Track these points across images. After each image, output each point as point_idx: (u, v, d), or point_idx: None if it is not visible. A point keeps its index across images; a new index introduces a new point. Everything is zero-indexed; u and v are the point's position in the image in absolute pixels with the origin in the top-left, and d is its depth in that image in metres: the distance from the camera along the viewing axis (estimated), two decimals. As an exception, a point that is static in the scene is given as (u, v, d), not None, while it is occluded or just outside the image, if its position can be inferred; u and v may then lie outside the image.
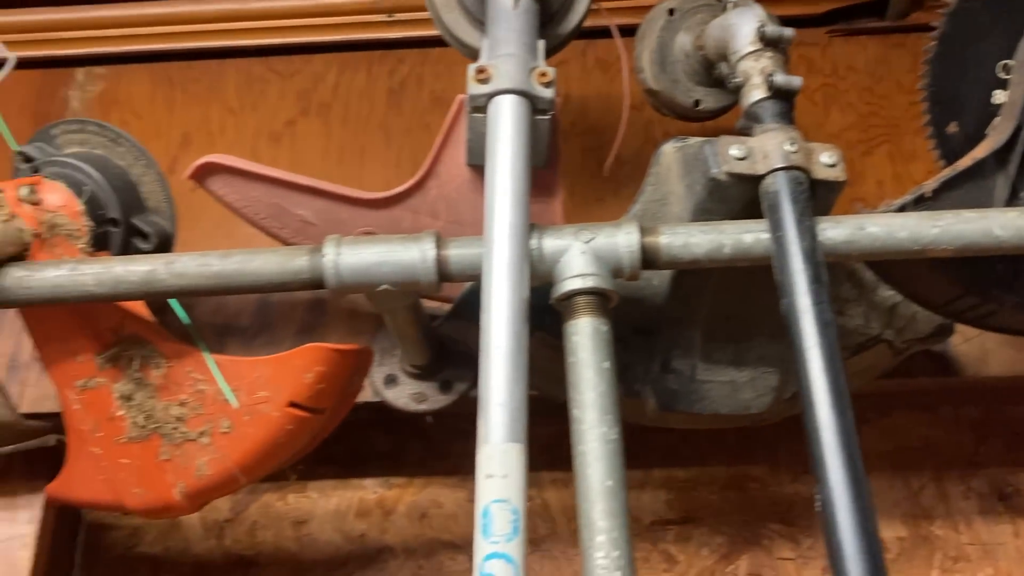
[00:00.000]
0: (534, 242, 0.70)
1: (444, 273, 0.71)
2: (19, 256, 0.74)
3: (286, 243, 0.83)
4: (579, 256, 0.70)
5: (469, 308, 0.81)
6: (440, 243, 0.72)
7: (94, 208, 0.79)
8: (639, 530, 1.03)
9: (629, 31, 0.92)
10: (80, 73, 1.13)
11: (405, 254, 0.71)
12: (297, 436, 0.80)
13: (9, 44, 0.89)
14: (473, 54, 0.80)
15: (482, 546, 0.61)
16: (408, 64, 1.11)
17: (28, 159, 0.82)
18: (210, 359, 0.78)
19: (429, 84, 1.10)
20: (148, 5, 1.11)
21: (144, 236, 0.82)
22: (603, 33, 0.99)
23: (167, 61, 1.13)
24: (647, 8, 0.92)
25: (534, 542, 1.03)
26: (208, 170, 0.79)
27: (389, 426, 1.08)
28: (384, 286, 0.72)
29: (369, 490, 1.06)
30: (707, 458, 1.06)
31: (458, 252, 0.72)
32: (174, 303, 0.82)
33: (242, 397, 0.78)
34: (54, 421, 0.89)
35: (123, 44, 1.12)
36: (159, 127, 1.09)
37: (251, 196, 0.80)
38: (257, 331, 0.98)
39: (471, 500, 1.06)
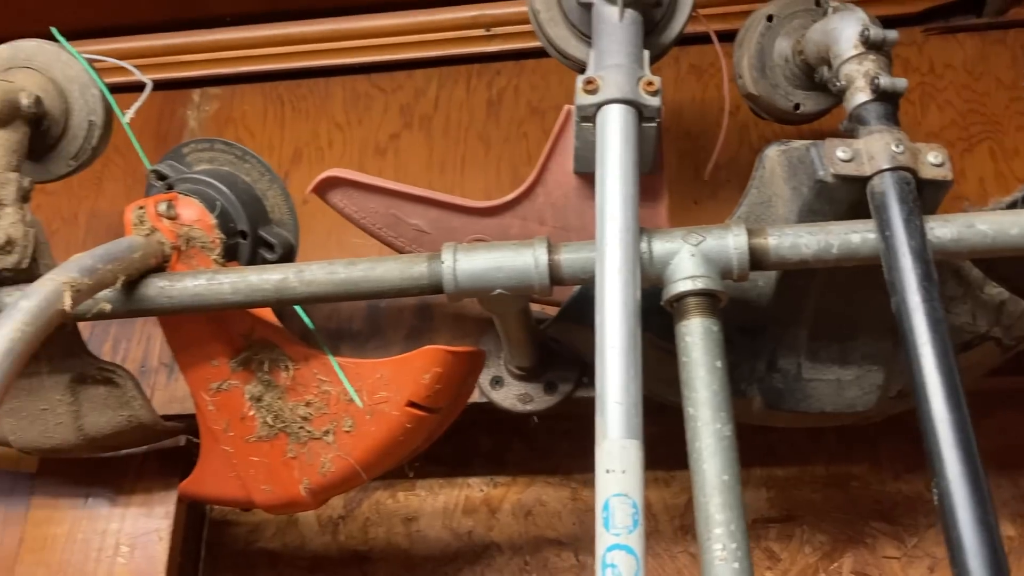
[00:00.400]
0: (644, 245, 0.73)
1: (556, 277, 0.75)
2: (160, 268, 0.80)
3: (400, 251, 0.87)
4: (689, 258, 0.72)
5: (576, 311, 0.84)
6: (552, 248, 0.75)
7: (225, 221, 0.84)
8: (741, 528, 1.04)
9: (723, 36, 0.94)
10: (196, 94, 1.20)
11: (518, 259, 0.74)
12: (415, 434, 0.84)
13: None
14: (578, 66, 0.83)
15: (604, 538, 0.63)
16: (505, 76, 1.15)
17: (161, 176, 0.88)
18: (334, 361, 0.82)
19: (525, 94, 1.13)
20: (259, 28, 1.17)
21: (270, 247, 0.87)
22: (695, 39, 1.02)
23: (276, 81, 1.19)
24: (742, 13, 0.94)
25: (637, 539, 1.05)
26: (329, 184, 0.84)
27: (492, 427, 1.11)
28: (499, 290, 0.75)
29: (475, 488, 1.10)
30: (807, 456, 1.07)
31: (569, 256, 0.75)
32: (299, 309, 0.87)
33: (364, 397, 0.82)
34: (185, 422, 0.95)
35: (236, 65, 1.18)
36: (271, 143, 1.15)
37: (368, 207, 0.85)
38: (369, 335, 1.03)
39: (574, 499, 1.10)
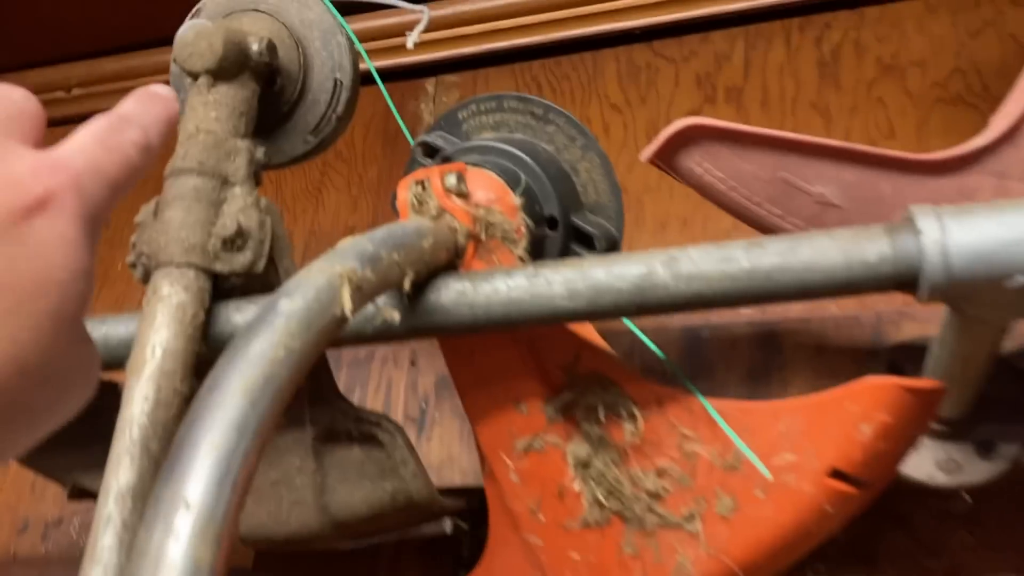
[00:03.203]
0: None
1: None
2: (451, 265, 0.54)
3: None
4: None
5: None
6: (1119, 204, 0.44)
7: (530, 203, 0.58)
8: None
9: None
10: (430, 84, 0.97)
11: (1060, 223, 0.44)
12: (831, 521, 0.54)
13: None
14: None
15: None
16: (838, 29, 0.86)
17: (431, 152, 0.63)
18: (709, 407, 0.54)
19: (873, 50, 0.84)
20: (506, -7, 0.93)
21: (587, 241, 0.60)
22: None
23: (530, 60, 0.94)
24: None
25: None
26: (687, 136, 0.56)
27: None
28: (1019, 276, 0.45)
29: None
30: None
31: None
32: (631, 325, 0.59)
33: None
34: (452, 498, 0.68)
35: (479, 43, 0.94)
36: (531, 134, 0.89)
37: (743, 170, 0.57)
38: (692, 376, 0.74)
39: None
